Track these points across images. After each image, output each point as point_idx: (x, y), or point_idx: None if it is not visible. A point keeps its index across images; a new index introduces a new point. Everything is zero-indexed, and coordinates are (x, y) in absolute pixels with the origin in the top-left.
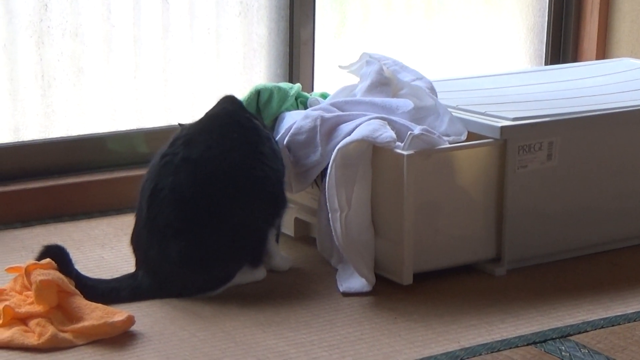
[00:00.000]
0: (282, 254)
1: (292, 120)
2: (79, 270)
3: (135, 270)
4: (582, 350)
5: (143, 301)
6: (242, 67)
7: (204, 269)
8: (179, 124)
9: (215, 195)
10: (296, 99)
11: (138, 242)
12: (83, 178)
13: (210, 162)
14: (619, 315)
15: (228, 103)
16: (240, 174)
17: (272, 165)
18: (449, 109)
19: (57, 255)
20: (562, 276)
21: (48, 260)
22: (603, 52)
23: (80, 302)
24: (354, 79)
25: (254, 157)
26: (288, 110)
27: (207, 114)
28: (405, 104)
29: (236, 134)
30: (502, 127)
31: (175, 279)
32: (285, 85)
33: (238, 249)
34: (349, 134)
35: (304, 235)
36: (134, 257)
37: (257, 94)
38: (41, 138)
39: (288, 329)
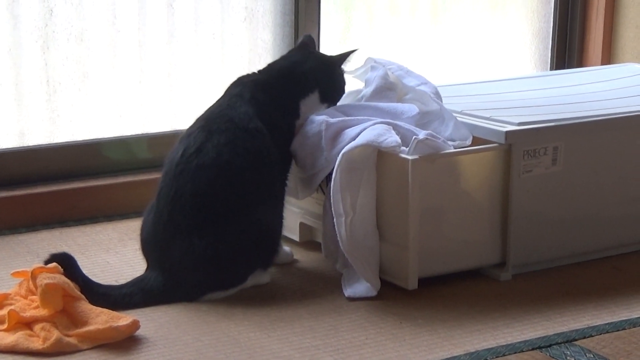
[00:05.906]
0: (283, 247)
1: None
2: (88, 277)
3: (146, 273)
4: (588, 355)
5: (155, 305)
6: (248, 73)
7: (225, 267)
8: None
9: (233, 197)
10: None
11: (155, 242)
12: (88, 183)
13: (223, 167)
14: (624, 320)
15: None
16: (252, 177)
17: (277, 167)
18: (454, 114)
19: (64, 262)
20: (567, 281)
21: (54, 264)
22: (608, 58)
23: (85, 306)
24: (358, 84)
25: (263, 162)
26: None
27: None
28: (410, 108)
29: (241, 139)
30: (507, 132)
31: (194, 278)
32: None
33: (256, 248)
34: (354, 138)
35: (309, 239)
36: (145, 259)
37: None
38: (46, 143)
39: (292, 334)
